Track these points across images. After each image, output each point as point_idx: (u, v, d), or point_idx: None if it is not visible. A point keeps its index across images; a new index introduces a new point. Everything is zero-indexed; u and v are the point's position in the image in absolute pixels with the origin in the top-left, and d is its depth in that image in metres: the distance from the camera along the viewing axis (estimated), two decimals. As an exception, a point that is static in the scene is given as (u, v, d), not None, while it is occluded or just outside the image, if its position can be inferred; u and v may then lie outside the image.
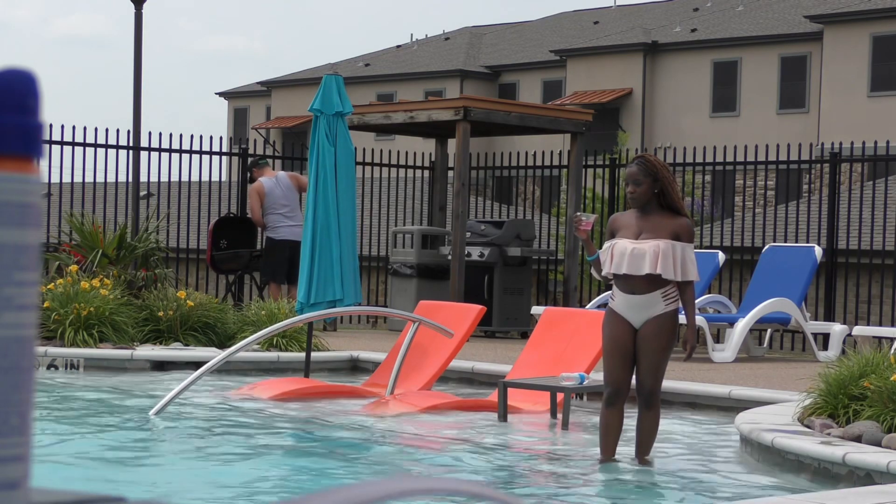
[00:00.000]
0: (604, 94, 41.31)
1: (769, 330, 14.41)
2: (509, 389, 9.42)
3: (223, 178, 29.87)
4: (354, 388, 10.87)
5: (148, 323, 12.52)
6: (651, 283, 7.18)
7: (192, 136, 16.55)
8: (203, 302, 12.85)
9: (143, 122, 16.08)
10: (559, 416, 9.24)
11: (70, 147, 15.80)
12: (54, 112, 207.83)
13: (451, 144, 16.70)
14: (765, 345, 14.57)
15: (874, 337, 12.17)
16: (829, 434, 7.35)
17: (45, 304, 12.00)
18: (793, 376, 10.89)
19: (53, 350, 11.62)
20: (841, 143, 17.25)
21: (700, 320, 12.63)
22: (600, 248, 7.54)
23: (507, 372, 10.50)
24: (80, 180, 16.32)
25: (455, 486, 1.23)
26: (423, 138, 18.59)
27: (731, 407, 9.49)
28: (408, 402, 9.76)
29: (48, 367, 11.51)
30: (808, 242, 15.24)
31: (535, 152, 18.86)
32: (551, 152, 18.35)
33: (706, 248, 16.35)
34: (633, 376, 7.36)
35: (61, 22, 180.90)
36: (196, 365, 10.55)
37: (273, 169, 16.08)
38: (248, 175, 16.05)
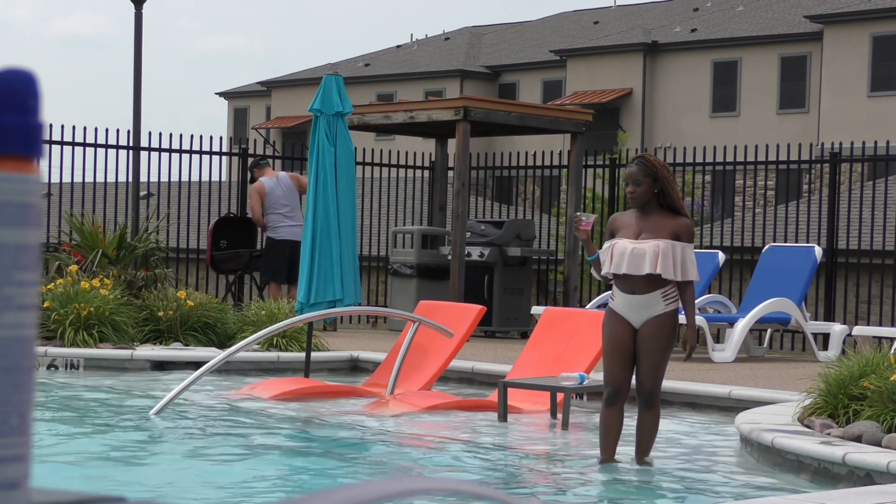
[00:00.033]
0: (604, 94, 41.31)
1: (769, 330, 14.41)
2: (509, 389, 9.42)
3: (223, 178, 29.87)
4: (354, 388, 10.87)
5: (148, 323, 12.52)
6: (651, 283, 7.18)
7: (192, 136, 16.56)
8: (203, 302, 12.85)
9: (143, 122, 16.09)
10: (559, 416, 9.24)
11: (70, 147, 15.80)
12: (54, 112, 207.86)
13: (451, 144, 16.70)
14: (765, 345, 14.57)
15: (874, 337, 12.17)
16: (829, 434, 7.35)
17: (45, 304, 12.00)
18: (793, 376, 10.89)
19: (53, 350, 11.62)
20: (841, 143, 17.25)
21: (700, 320, 12.63)
22: (600, 248, 7.54)
23: (507, 372, 10.50)
24: (80, 180, 16.33)
25: (455, 486, 1.23)
26: (423, 138, 18.59)
27: (731, 407, 9.49)
28: (408, 402, 9.76)
29: (48, 367, 11.51)
30: (808, 242, 15.24)
31: (535, 152, 18.86)
32: (551, 152, 18.35)
33: (706, 248, 16.35)
34: (633, 376, 7.36)
35: (61, 22, 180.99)
36: (196, 365, 10.55)
37: (273, 169, 16.08)
38: (249, 175, 16.06)
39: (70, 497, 1.15)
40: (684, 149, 18.19)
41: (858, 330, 12.35)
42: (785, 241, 15.72)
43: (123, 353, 11.81)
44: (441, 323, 10.55)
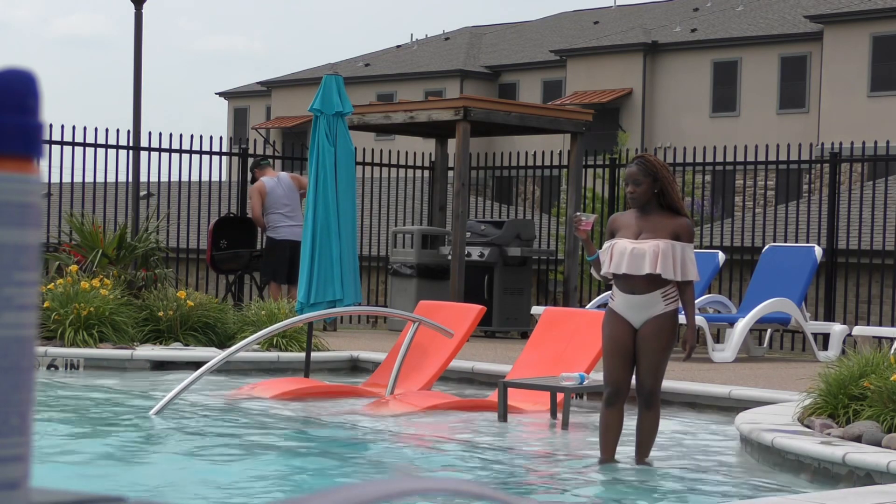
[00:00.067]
0: (604, 94, 41.31)
1: (769, 330, 14.41)
2: (509, 389, 9.42)
3: (223, 178, 29.87)
4: (354, 388, 10.87)
5: (148, 323, 12.52)
6: (651, 282, 7.18)
7: (192, 136, 16.56)
8: (203, 302, 12.86)
9: (143, 122, 16.09)
10: (559, 416, 9.24)
11: (70, 147, 15.80)
12: (54, 112, 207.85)
13: (451, 144, 16.70)
14: (765, 345, 14.57)
15: (874, 337, 12.17)
16: (829, 434, 7.35)
17: (45, 304, 12.00)
18: (793, 376, 10.89)
19: (53, 350, 11.62)
20: (841, 143, 17.25)
21: (700, 320, 12.63)
22: (600, 248, 7.55)
23: (507, 372, 10.50)
24: (80, 180, 16.33)
25: (455, 486, 1.23)
26: (423, 138, 18.59)
27: (731, 407, 9.49)
28: (408, 402, 9.76)
29: (48, 367, 11.51)
30: (808, 242, 15.24)
31: (535, 152, 18.86)
32: (551, 152, 18.35)
33: (706, 248, 16.35)
34: (633, 376, 7.36)
35: (61, 22, 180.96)
36: (196, 365, 10.55)
37: (273, 169, 16.09)
38: (251, 176, 16.06)
39: (70, 497, 1.15)
40: (684, 149, 18.19)
41: (858, 330, 12.35)
42: (785, 241, 15.72)
43: (123, 353, 11.82)
44: (441, 323, 10.55)
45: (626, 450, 7.58)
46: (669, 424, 8.98)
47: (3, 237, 1.07)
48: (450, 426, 9.11)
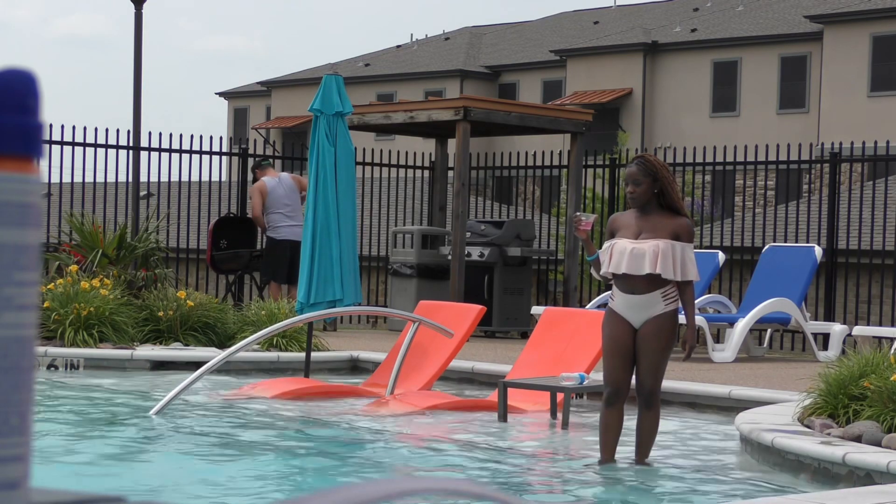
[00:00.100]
0: (604, 94, 41.31)
1: (769, 330, 14.41)
2: (509, 389, 9.42)
3: (223, 178, 29.87)
4: (354, 388, 10.87)
5: (148, 323, 12.52)
6: (651, 282, 7.18)
7: (192, 136, 16.56)
8: (203, 302, 12.86)
9: (143, 122, 16.09)
10: (559, 416, 9.24)
11: (70, 147, 15.80)
12: (54, 112, 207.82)
13: (451, 144, 16.70)
14: (765, 345, 14.57)
15: (874, 337, 12.17)
16: (829, 434, 7.35)
17: (45, 304, 12.01)
18: (793, 376, 10.89)
19: (53, 350, 11.62)
20: (841, 143, 17.25)
21: (700, 320, 12.63)
22: (600, 248, 7.55)
23: (507, 372, 10.50)
24: (80, 180, 16.33)
25: (455, 486, 1.23)
26: (423, 138, 18.59)
27: (731, 407, 9.49)
28: (408, 402, 9.76)
29: (48, 367, 11.51)
30: (808, 242, 15.24)
31: (535, 152, 18.86)
32: (551, 152, 18.35)
33: (706, 248, 16.35)
34: (633, 376, 7.36)
35: (61, 22, 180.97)
36: (196, 365, 10.55)
37: (274, 169, 16.09)
38: (252, 176, 16.07)
39: (70, 497, 1.15)
40: (684, 149, 18.19)
41: (858, 330, 12.35)
42: (785, 241, 15.72)
43: (123, 353, 11.82)
44: (441, 323, 10.55)
45: (626, 450, 7.58)
46: (669, 424, 8.98)
47: (3, 237, 1.07)
48: (450, 426, 9.11)
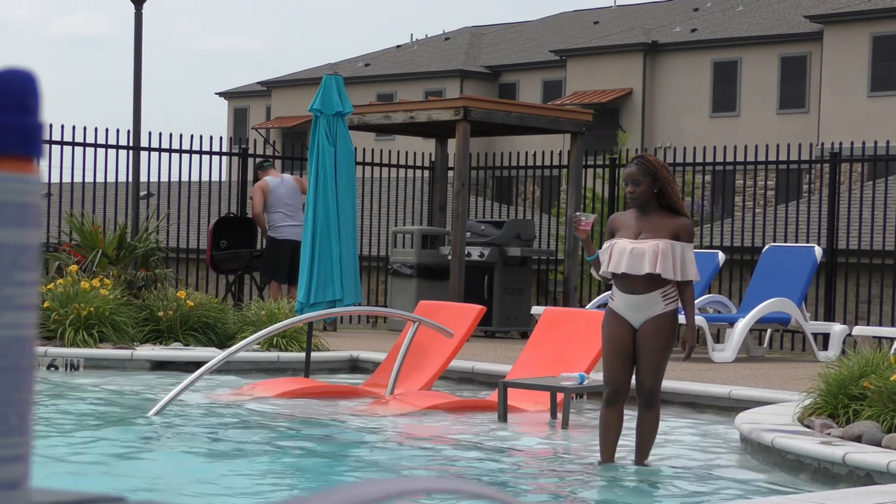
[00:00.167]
0: (604, 94, 41.31)
1: (769, 330, 14.41)
2: (509, 389, 9.42)
3: (223, 178, 29.88)
4: (354, 388, 10.87)
5: (148, 323, 12.52)
6: (650, 282, 7.18)
7: (192, 136, 16.56)
8: (203, 302, 12.86)
9: (143, 122, 16.08)
10: (559, 416, 9.24)
11: (70, 147, 15.80)
12: (54, 112, 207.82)
13: (451, 144, 16.70)
14: (765, 345, 14.57)
15: (874, 337, 12.17)
16: (829, 434, 7.35)
17: (45, 304, 12.01)
18: (793, 376, 10.89)
19: (53, 350, 11.62)
20: (841, 143, 17.25)
21: (700, 320, 12.63)
22: (600, 248, 7.55)
23: (507, 372, 10.50)
24: (80, 180, 16.33)
25: (455, 486, 1.23)
26: (423, 138, 18.59)
27: (731, 407, 9.49)
28: (408, 402, 9.76)
29: (48, 367, 11.51)
30: (808, 242, 15.24)
31: (535, 152, 18.87)
32: (551, 152, 18.35)
33: (706, 248, 16.35)
34: (633, 376, 7.36)
35: (61, 22, 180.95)
36: (196, 365, 10.54)
37: (275, 169, 16.10)
38: (254, 177, 16.07)
39: (70, 497, 1.15)
40: (684, 149, 18.19)
41: (858, 330, 12.35)
42: (785, 241, 15.72)
43: (123, 353, 11.82)
44: (441, 323, 10.55)
45: (626, 450, 7.58)
46: (669, 424, 8.98)
47: (3, 237, 1.07)
48: (450, 426, 9.11)
